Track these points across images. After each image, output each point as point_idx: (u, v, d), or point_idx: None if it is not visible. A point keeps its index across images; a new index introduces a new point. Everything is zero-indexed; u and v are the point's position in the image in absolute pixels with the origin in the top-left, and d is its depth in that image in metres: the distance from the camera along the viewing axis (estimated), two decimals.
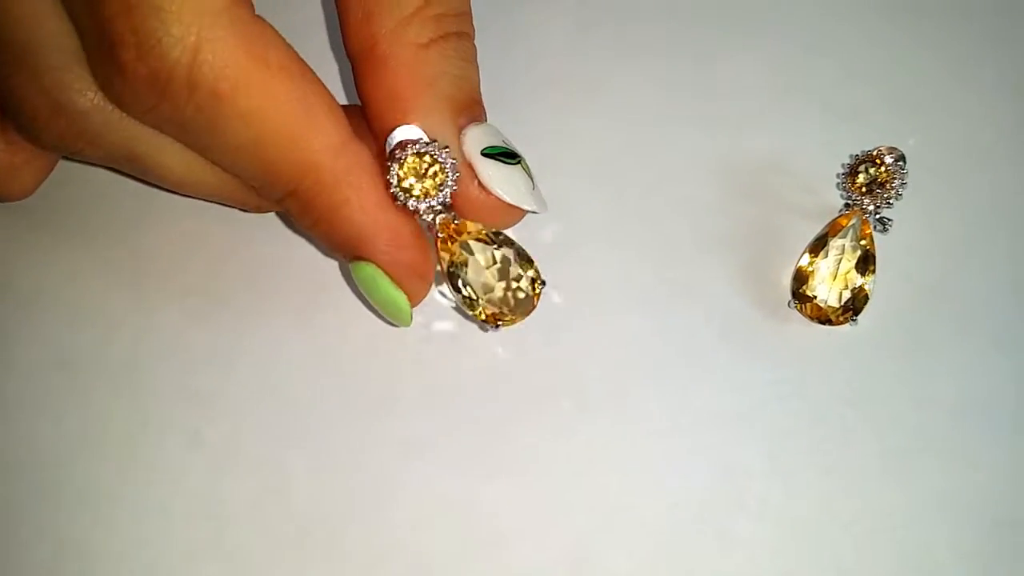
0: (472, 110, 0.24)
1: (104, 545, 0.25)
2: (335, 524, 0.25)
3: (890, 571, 0.25)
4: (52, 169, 0.27)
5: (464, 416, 0.26)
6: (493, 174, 0.24)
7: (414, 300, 0.24)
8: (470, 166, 0.24)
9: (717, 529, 0.25)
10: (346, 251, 0.24)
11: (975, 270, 0.27)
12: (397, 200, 0.23)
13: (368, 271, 0.24)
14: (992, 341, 0.26)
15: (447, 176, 0.23)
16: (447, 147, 0.23)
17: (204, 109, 0.21)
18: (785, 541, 0.25)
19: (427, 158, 0.23)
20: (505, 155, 0.24)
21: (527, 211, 0.24)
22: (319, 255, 0.28)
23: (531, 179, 0.25)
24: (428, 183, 0.23)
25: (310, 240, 0.28)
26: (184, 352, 0.27)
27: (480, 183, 0.24)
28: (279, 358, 0.27)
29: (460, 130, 0.24)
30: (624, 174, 0.28)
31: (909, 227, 0.27)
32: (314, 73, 0.22)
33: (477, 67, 0.25)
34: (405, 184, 0.23)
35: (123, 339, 0.27)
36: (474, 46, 0.25)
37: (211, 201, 0.27)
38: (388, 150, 0.23)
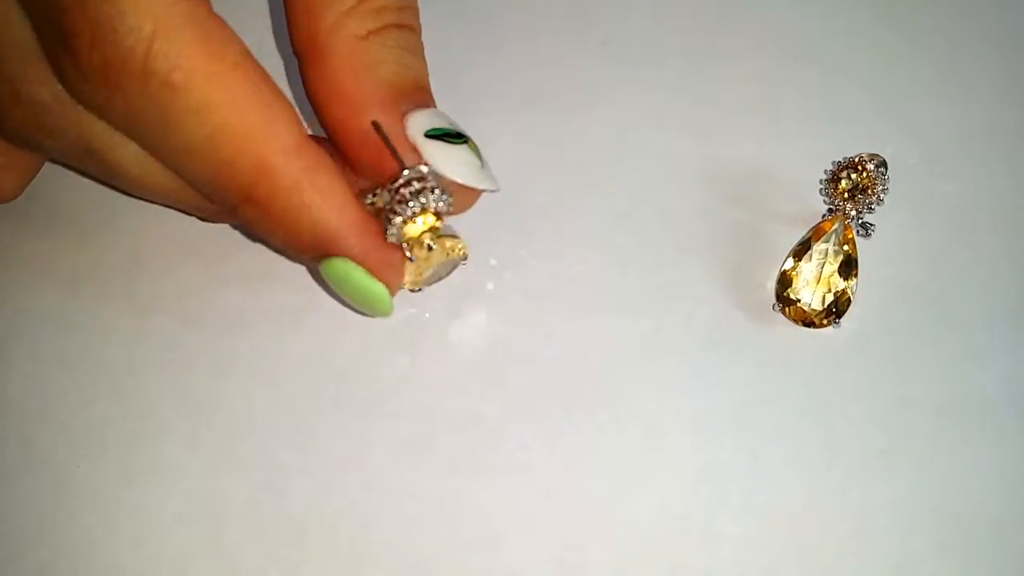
0: (416, 96, 0.24)
1: (102, 545, 0.25)
2: (329, 523, 0.25)
3: (872, 569, 0.25)
4: (36, 172, 0.27)
5: (455, 417, 0.26)
6: (438, 155, 0.23)
7: (393, 288, 0.24)
8: (415, 150, 0.23)
9: (702, 528, 0.25)
10: (314, 252, 0.23)
11: (956, 274, 0.28)
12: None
13: (340, 267, 0.23)
14: (972, 343, 0.27)
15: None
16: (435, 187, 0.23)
17: (157, 101, 0.21)
18: (769, 540, 0.25)
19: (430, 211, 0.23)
20: (450, 135, 0.24)
21: (479, 190, 0.24)
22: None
23: (479, 158, 0.24)
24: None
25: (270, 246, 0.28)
26: (180, 354, 0.27)
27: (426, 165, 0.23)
28: (273, 360, 0.27)
29: (403, 116, 0.23)
30: (611, 179, 0.29)
31: (891, 232, 0.27)
32: (267, 74, 0.22)
33: (423, 58, 0.24)
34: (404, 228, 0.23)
35: (119, 341, 0.27)
36: (419, 39, 0.25)
37: (168, 206, 0.26)
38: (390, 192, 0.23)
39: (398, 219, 0.23)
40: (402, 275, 0.24)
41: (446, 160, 0.23)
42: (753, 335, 0.27)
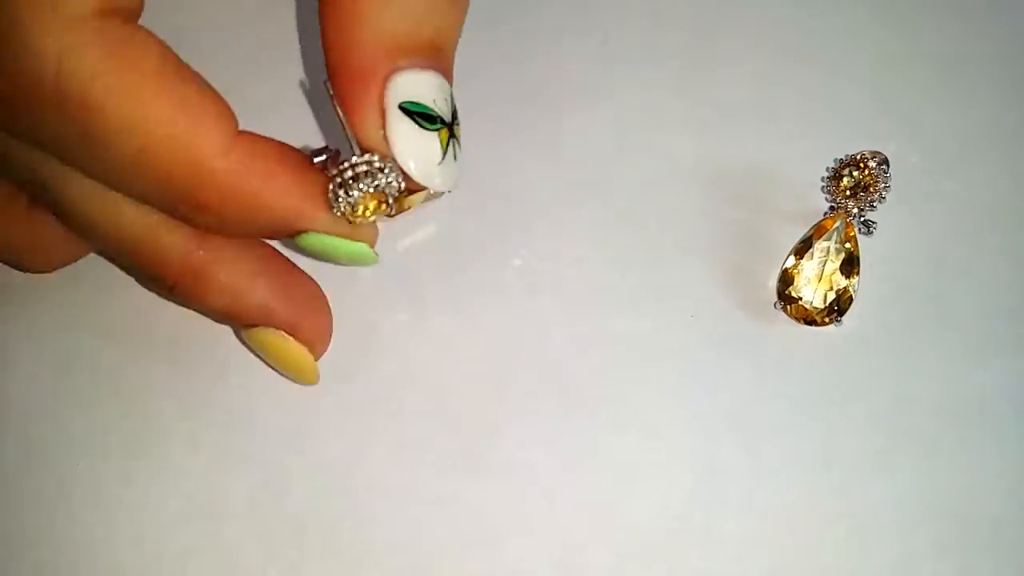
0: (423, 54, 0.21)
1: (103, 545, 0.25)
2: (329, 523, 0.25)
3: (871, 569, 0.25)
4: (81, 252, 0.26)
5: (455, 418, 0.26)
6: (398, 134, 0.21)
7: (371, 239, 0.23)
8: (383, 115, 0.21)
9: (701, 527, 0.25)
10: (285, 235, 0.22)
11: (957, 272, 0.27)
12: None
13: (315, 240, 0.22)
14: (973, 342, 0.27)
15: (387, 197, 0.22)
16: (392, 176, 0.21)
17: (77, 122, 0.20)
18: (768, 539, 0.25)
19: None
20: (424, 116, 0.21)
21: (423, 187, 0.22)
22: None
23: (445, 150, 0.22)
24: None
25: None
26: (180, 354, 0.27)
27: (385, 137, 0.21)
28: None
29: (394, 72, 0.21)
30: (611, 179, 0.29)
31: (892, 229, 0.27)
32: (196, 74, 0.21)
33: (460, 7, 0.22)
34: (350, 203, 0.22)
35: (120, 342, 0.27)
36: None
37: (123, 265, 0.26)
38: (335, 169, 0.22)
39: (341, 200, 0.22)
40: (374, 226, 0.23)
41: (401, 141, 0.21)
42: (755, 333, 0.27)
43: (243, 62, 0.30)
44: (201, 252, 0.23)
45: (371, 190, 0.21)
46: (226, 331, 0.27)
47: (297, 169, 0.22)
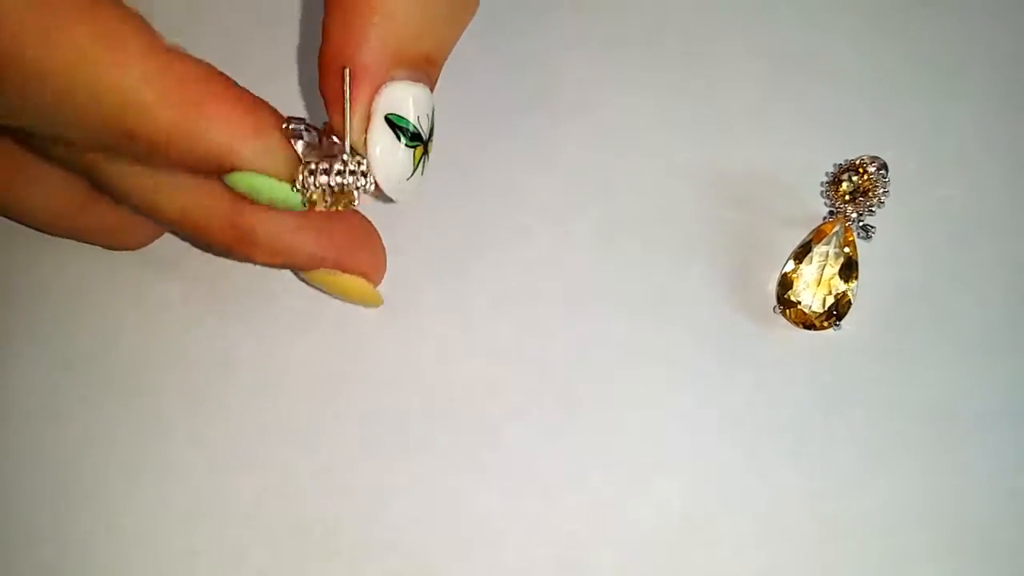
0: (417, 67, 0.22)
1: (107, 544, 0.25)
2: (332, 522, 0.26)
3: (870, 570, 0.25)
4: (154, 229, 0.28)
5: (457, 419, 0.26)
6: (378, 142, 0.22)
7: (282, 162, 0.22)
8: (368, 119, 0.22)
9: (701, 528, 0.25)
10: (221, 169, 0.22)
11: (955, 276, 0.28)
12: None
13: (245, 180, 0.22)
14: (971, 346, 0.27)
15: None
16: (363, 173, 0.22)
17: (11, 83, 0.19)
18: (767, 540, 0.25)
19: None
20: (406, 133, 0.22)
21: (383, 193, 0.23)
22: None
23: (415, 168, 0.23)
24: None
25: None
26: (186, 354, 0.27)
27: (365, 140, 0.22)
28: (278, 361, 0.27)
29: (389, 80, 0.22)
30: (613, 183, 0.29)
31: (891, 234, 0.27)
32: (118, 4, 0.20)
33: (459, 24, 0.23)
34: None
35: (126, 342, 0.27)
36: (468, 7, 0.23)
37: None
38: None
39: (307, 183, 0.22)
40: (290, 151, 0.22)
41: (379, 150, 0.22)
42: (754, 337, 0.27)
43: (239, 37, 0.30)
44: (245, 214, 0.23)
45: (341, 185, 0.22)
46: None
47: (227, 99, 0.21)
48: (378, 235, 0.27)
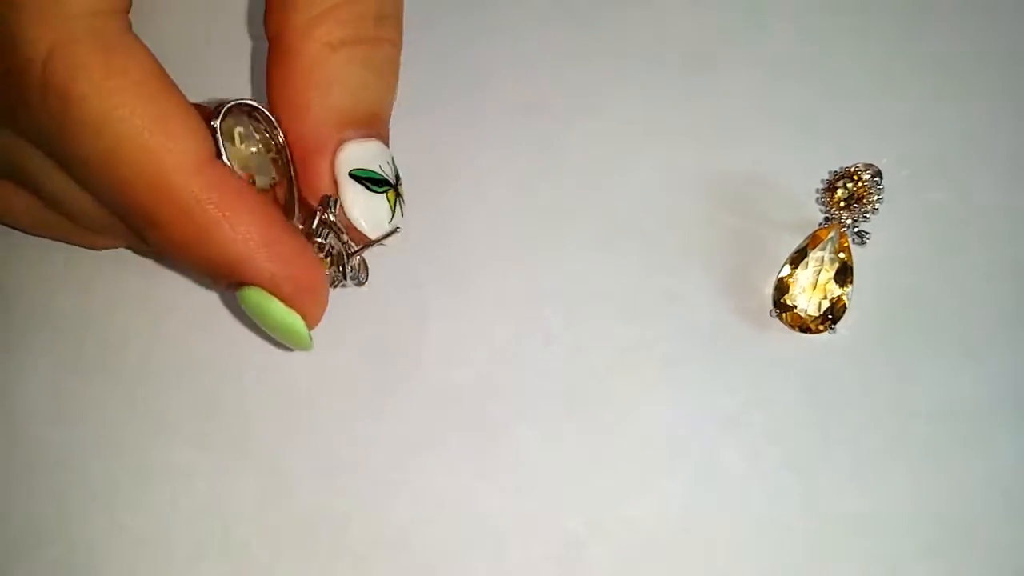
0: (365, 124, 0.23)
1: (114, 544, 0.26)
2: (336, 522, 0.26)
3: (864, 568, 0.26)
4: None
5: (460, 420, 0.27)
6: (352, 200, 0.23)
7: (311, 320, 0.23)
8: (335, 183, 0.23)
9: (700, 529, 0.26)
10: (226, 278, 0.22)
11: (948, 281, 0.28)
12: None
13: (255, 296, 0.22)
14: (964, 349, 0.27)
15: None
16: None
17: (56, 114, 0.20)
18: (766, 540, 0.26)
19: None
20: (373, 181, 0.24)
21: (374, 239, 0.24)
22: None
23: (393, 210, 0.24)
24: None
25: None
26: (191, 358, 0.27)
27: (340, 202, 0.23)
28: (282, 364, 0.27)
29: (341, 143, 0.23)
30: (612, 187, 0.29)
31: (885, 240, 0.28)
32: (181, 94, 0.21)
33: (392, 78, 0.24)
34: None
35: (133, 346, 0.27)
36: (396, 53, 0.24)
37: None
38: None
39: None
40: (323, 304, 0.24)
41: (357, 207, 0.23)
42: (751, 340, 0.28)
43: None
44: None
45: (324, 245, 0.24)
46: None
47: (259, 215, 0.22)
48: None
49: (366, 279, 0.26)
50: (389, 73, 0.24)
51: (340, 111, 0.23)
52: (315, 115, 0.23)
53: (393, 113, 0.25)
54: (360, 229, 0.24)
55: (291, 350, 0.26)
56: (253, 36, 0.31)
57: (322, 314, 0.24)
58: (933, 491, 0.26)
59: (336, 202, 0.24)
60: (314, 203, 0.24)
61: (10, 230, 0.28)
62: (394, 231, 0.24)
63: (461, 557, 0.26)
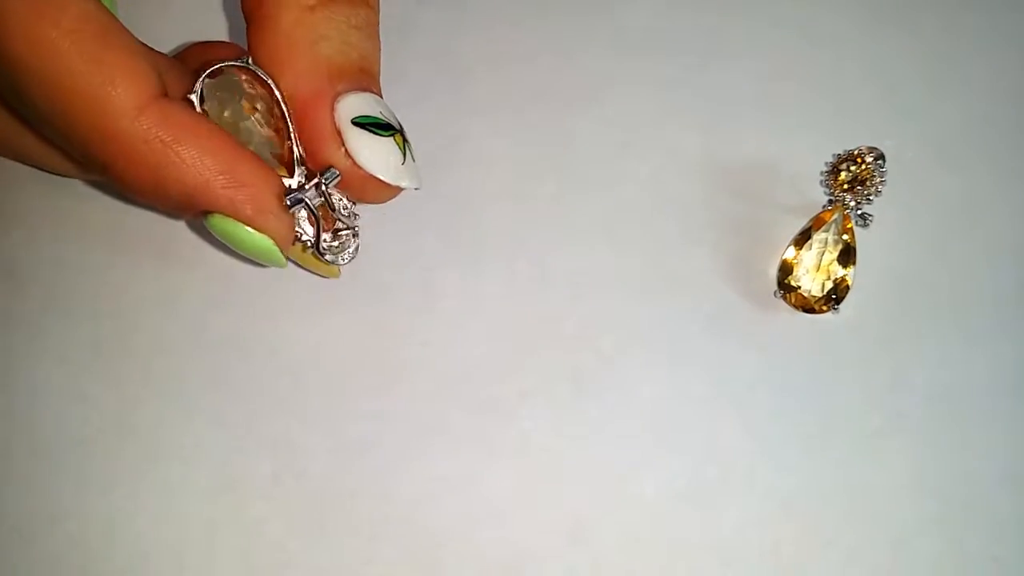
0: (356, 78, 0.23)
1: (130, 520, 0.26)
2: (348, 501, 0.26)
3: (867, 544, 0.26)
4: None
5: (468, 400, 0.27)
6: (359, 144, 0.23)
7: (278, 237, 0.23)
8: (339, 133, 0.23)
9: (705, 505, 0.26)
10: (189, 210, 0.22)
11: (950, 262, 0.28)
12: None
13: (220, 223, 0.22)
14: (965, 329, 0.28)
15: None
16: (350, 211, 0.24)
17: (2, 72, 0.20)
18: (769, 516, 0.26)
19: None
20: (378, 126, 0.23)
21: (397, 186, 0.24)
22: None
23: (404, 153, 0.24)
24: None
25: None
26: (206, 337, 0.28)
27: (347, 152, 0.23)
28: (295, 343, 0.28)
29: (337, 96, 0.23)
30: (617, 171, 0.29)
31: (888, 222, 0.28)
32: (125, 36, 0.21)
33: (374, 37, 0.24)
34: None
35: (148, 325, 0.28)
36: (374, 15, 0.24)
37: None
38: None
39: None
40: (287, 221, 0.23)
41: (365, 151, 0.23)
42: (755, 320, 0.28)
43: None
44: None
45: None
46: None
47: (210, 145, 0.22)
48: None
49: (349, 253, 0.25)
50: (371, 34, 0.24)
51: (330, 62, 0.23)
52: (305, 68, 0.23)
53: (401, 101, 0.26)
54: (372, 173, 0.23)
55: (265, 266, 0.26)
56: (228, 16, 0.31)
57: (289, 229, 0.23)
58: (933, 468, 0.27)
59: (332, 179, 0.23)
60: (317, 159, 0.23)
61: (24, 214, 0.29)
62: (412, 187, 0.24)
63: (468, 535, 0.26)
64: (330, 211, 0.24)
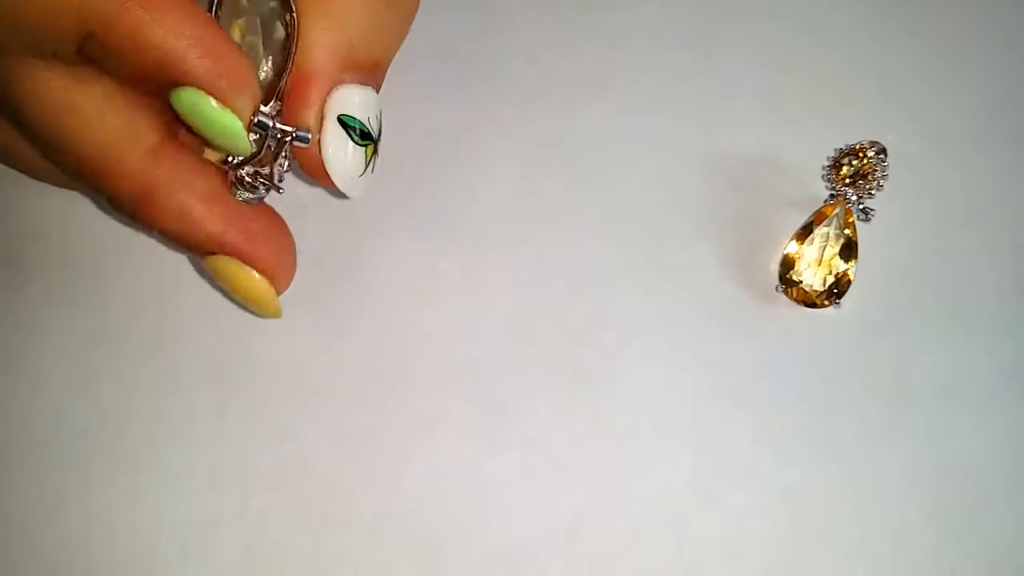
0: (367, 71, 0.23)
1: (133, 510, 0.26)
2: (351, 492, 0.26)
3: (867, 535, 0.26)
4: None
5: (471, 393, 0.27)
6: (333, 141, 0.23)
7: (243, 115, 0.22)
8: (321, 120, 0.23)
9: (706, 498, 0.26)
10: (160, 79, 0.21)
11: (951, 257, 0.29)
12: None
13: (188, 96, 0.21)
14: (965, 324, 0.28)
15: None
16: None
17: None
18: (770, 508, 0.26)
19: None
20: (359, 133, 0.23)
21: (332, 184, 0.23)
22: (337, 237, 0.28)
23: (367, 165, 0.24)
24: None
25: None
26: (207, 328, 0.28)
27: (319, 139, 0.23)
28: (298, 334, 0.28)
29: (337, 84, 0.23)
30: (620, 166, 0.29)
31: (890, 216, 0.28)
32: None
33: (405, 27, 0.24)
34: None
35: (149, 316, 0.28)
36: (416, 6, 0.24)
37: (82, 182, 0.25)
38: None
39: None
40: (253, 102, 0.22)
41: (333, 149, 0.23)
42: (757, 315, 0.28)
43: None
44: (158, 172, 0.23)
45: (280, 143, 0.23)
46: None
47: (187, 13, 0.21)
48: (291, 237, 0.25)
49: (253, 198, 0.24)
50: (404, 22, 0.24)
51: (349, 48, 0.22)
52: (323, 45, 0.22)
53: (403, 96, 0.26)
54: (328, 170, 0.23)
55: (229, 152, 0.24)
56: None
57: (250, 110, 0.22)
58: (934, 462, 0.27)
59: (301, 140, 0.23)
60: (290, 117, 0.23)
61: (25, 206, 0.29)
62: (345, 195, 0.24)
63: (471, 528, 0.26)
64: (272, 158, 0.23)
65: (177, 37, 0.21)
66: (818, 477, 0.27)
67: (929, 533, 0.26)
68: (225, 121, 0.22)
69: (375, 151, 0.24)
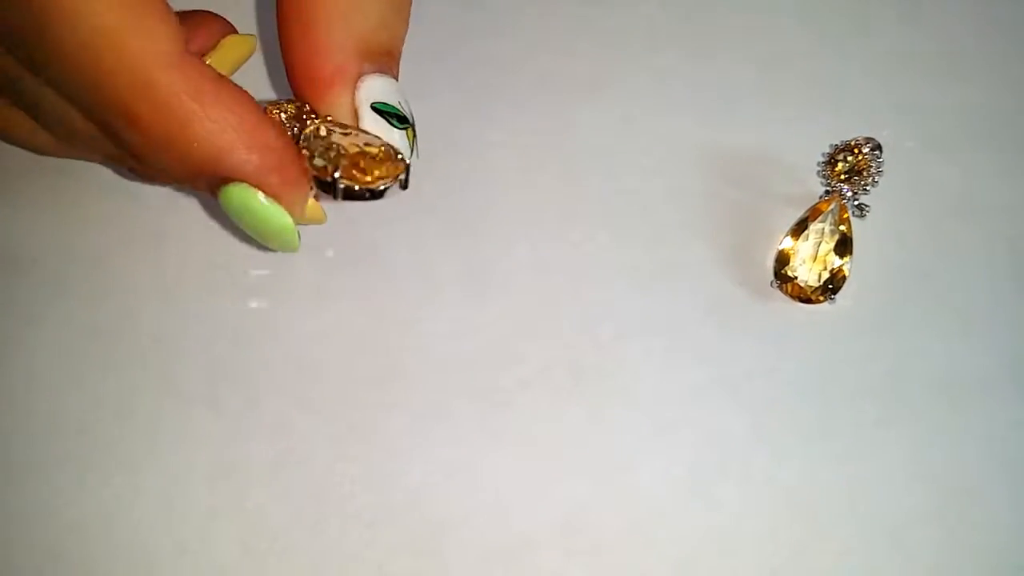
0: (382, 60, 0.23)
1: (129, 507, 0.26)
2: (348, 488, 0.26)
3: (864, 529, 0.26)
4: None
5: (471, 388, 0.27)
6: (375, 131, 0.22)
7: (295, 212, 0.22)
8: (356, 114, 0.22)
9: (703, 493, 0.26)
10: (208, 174, 0.21)
11: (946, 253, 0.29)
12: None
13: (237, 193, 0.21)
14: (961, 319, 0.28)
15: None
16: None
17: (30, 9, 0.19)
18: (767, 505, 0.26)
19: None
20: (396, 117, 0.23)
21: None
22: (334, 232, 0.28)
23: (412, 149, 0.23)
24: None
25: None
26: (205, 324, 0.28)
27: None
28: (295, 330, 0.28)
29: (361, 76, 0.22)
30: (617, 162, 0.30)
31: (885, 212, 0.28)
32: None
33: (407, 15, 0.23)
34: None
35: (147, 312, 0.28)
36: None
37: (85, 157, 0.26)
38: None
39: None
40: (306, 197, 0.22)
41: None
42: (752, 311, 0.28)
43: None
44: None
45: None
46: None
47: (238, 106, 0.21)
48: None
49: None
50: (404, 10, 0.23)
51: (360, 40, 0.22)
52: (335, 42, 0.22)
53: (405, 91, 0.26)
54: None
55: (273, 251, 0.25)
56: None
57: (304, 205, 0.22)
58: (930, 458, 0.27)
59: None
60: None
61: (24, 201, 0.29)
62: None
63: (468, 524, 0.26)
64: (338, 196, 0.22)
65: (226, 130, 0.21)
66: (814, 473, 0.27)
67: (927, 530, 0.26)
68: (274, 217, 0.22)
69: (415, 135, 0.23)
